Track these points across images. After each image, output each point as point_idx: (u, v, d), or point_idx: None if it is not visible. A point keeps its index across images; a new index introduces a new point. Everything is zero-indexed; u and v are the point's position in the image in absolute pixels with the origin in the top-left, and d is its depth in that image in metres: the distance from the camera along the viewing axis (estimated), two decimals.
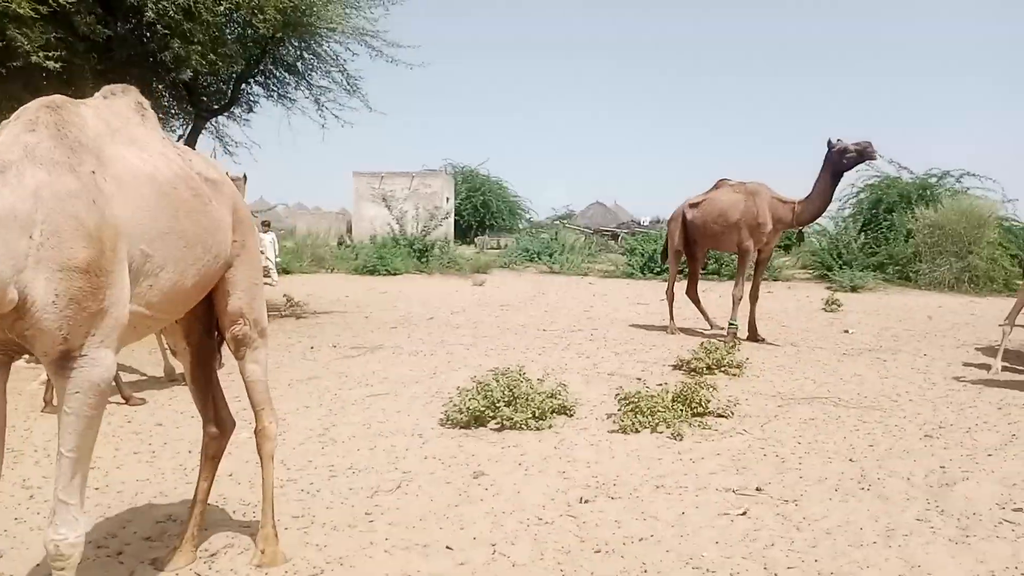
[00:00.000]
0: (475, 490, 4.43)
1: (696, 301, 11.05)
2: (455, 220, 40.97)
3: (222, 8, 8.90)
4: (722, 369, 7.70)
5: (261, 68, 11.95)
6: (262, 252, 17.77)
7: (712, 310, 11.37)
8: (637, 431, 5.57)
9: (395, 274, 19.44)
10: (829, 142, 9.02)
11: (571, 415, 5.99)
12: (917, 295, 17.08)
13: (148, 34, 9.25)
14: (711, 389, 6.11)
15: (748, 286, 10.01)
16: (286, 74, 11.94)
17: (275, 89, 12.15)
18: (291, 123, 12.50)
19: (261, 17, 9.94)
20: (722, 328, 10.26)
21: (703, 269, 12.82)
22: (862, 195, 23.03)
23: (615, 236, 35.17)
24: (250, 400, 3.43)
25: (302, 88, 11.95)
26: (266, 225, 19.46)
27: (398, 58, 11.73)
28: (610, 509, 4.17)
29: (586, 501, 4.27)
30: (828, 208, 10.34)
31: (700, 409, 5.90)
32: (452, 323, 11.38)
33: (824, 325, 11.77)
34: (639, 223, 38.94)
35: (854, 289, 17.46)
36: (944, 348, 9.70)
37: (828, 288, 17.51)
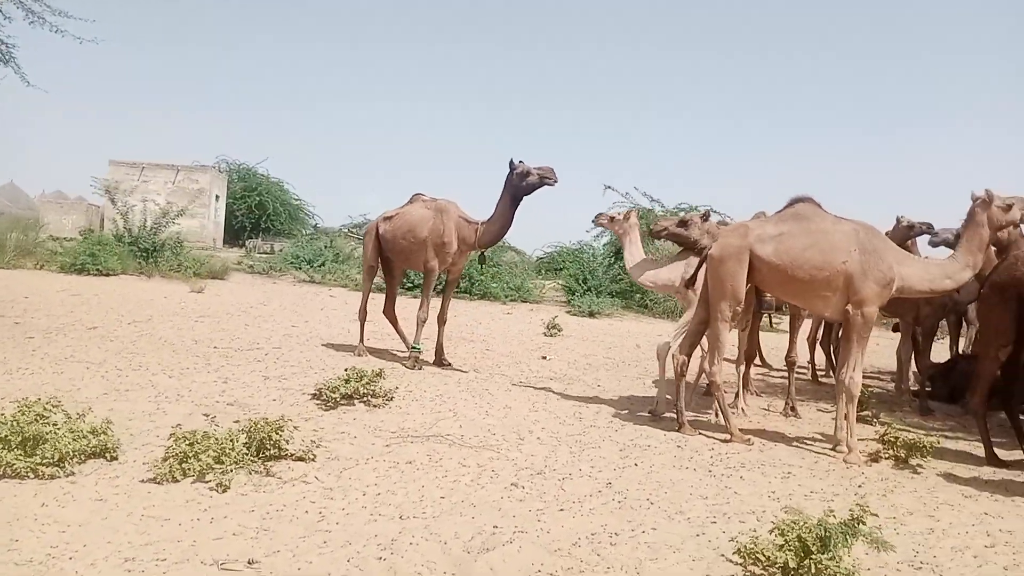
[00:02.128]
0: None
1: (393, 320, 10.35)
2: (227, 221, 38.21)
3: None
4: (363, 399, 6.97)
5: None
6: None
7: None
8: (176, 480, 4.62)
9: (108, 274, 17.23)
10: (511, 163, 8.63)
11: (112, 459, 4.92)
12: (648, 323, 17.62)
13: None
14: (294, 429, 5.29)
15: (437, 307, 9.49)
16: None
17: None
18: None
19: None
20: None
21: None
22: None
23: None
24: None
25: None
26: None
27: (65, 28, 10.11)
28: None
29: None
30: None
31: (274, 452, 5.07)
32: (112, 335, 9.85)
33: (530, 351, 11.50)
34: None
35: (591, 315, 17.70)
36: (623, 379, 9.65)
37: (568, 312, 17.65)
